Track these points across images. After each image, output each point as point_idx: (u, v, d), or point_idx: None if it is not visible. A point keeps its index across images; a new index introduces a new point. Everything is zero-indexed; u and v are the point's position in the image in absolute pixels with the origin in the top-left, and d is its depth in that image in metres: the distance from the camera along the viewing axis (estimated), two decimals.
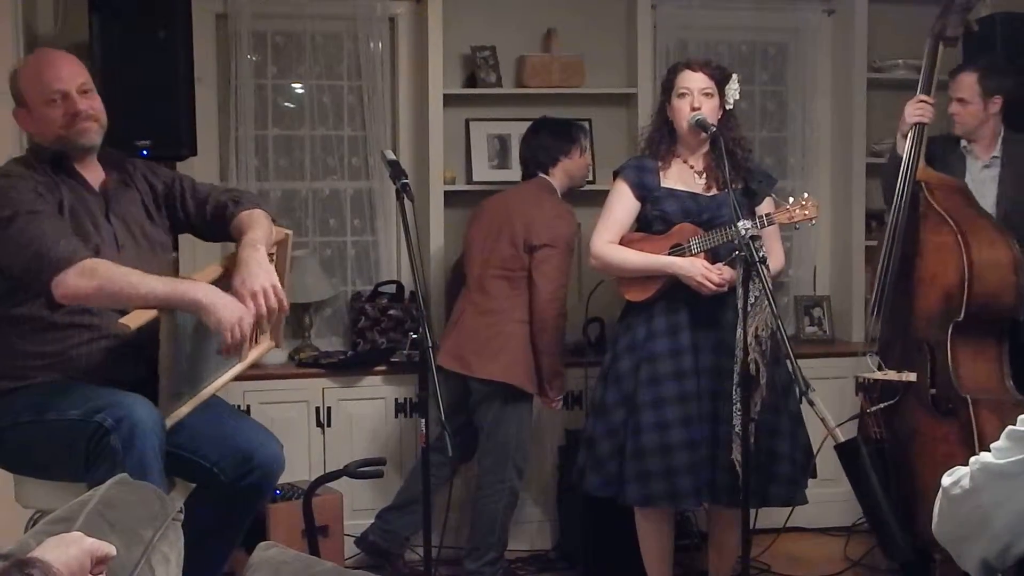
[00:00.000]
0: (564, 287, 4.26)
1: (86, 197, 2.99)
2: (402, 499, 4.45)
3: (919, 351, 3.86)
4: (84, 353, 2.90)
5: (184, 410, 2.89)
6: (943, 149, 4.20)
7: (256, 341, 3.08)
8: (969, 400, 3.69)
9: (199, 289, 2.78)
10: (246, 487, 2.99)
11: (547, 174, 4.40)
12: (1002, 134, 4.21)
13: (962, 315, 3.74)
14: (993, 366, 3.81)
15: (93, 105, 2.99)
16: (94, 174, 3.04)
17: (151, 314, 2.74)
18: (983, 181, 4.19)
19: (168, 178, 3.19)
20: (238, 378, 4.40)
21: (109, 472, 2.59)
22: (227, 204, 3.11)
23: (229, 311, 2.75)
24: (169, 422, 2.82)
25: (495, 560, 4.32)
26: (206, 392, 2.98)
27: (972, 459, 1.90)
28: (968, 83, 4.13)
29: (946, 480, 1.94)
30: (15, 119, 3.06)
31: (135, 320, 2.73)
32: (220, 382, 3.04)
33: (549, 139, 4.43)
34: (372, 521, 4.47)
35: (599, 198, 4.17)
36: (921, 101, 3.95)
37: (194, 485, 3.08)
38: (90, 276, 2.74)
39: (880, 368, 3.95)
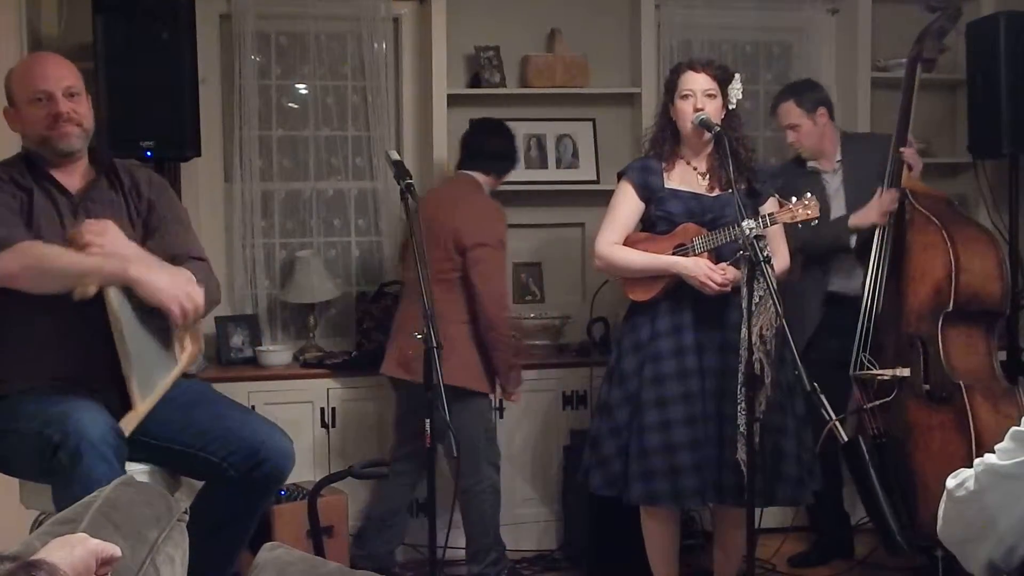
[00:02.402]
0: (504, 283, 4.23)
1: (57, 199, 2.98)
2: (376, 515, 4.40)
3: (911, 347, 3.89)
4: (51, 358, 2.89)
5: (144, 408, 2.86)
6: (791, 178, 4.26)
7: (183, 346, 3.08)
8: (963, 386, 3.75)
9: (130, 263, 2.79)
10: (256, 479, 2.98)
11: (482, 173, 4.35)
12: (839, 140, 4.45)
13: (951, 306, 3.81)
14: (983, 357, 3.88)
15: (77, 109, 2.97)
16: (73, 178, 3.03)
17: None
18: (837, 190, 4.38)
19: (163, 208, 3.13)
20: (241, 379, 4.50)
21: (65, 486, 2.62)
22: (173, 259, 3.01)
23: (167, 282, 2.80)
24: (127, 426, 2.80)
25: (497, 560, 4.31)
26: (159, 390, 2.95)
27: (976, 461, 1.90)
28: (790, 109, 4.37)
29: (950, 482, 1.94)
30: (4, 118, 3.05)
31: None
32: (165, 383, 3.00)
33: (504, 148, 4.41)
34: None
35: (603, 199, 4.17)
36: (891, 199, 3.99)
37: (201, 483, 3.08)
38: (21, 256, 2.75)
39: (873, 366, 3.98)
